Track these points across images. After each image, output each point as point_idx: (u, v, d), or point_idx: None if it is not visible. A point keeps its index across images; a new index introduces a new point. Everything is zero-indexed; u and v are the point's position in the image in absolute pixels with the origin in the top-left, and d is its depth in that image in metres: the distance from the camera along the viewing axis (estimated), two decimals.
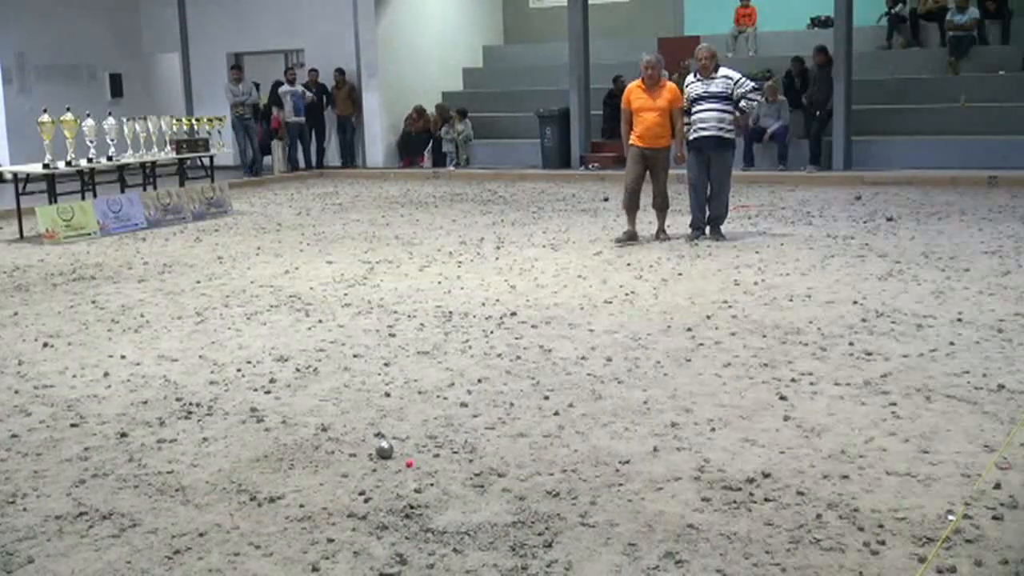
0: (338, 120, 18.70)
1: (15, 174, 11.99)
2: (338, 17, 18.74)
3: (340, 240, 10.64)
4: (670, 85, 9.67)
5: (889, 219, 10.74)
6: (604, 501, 3.83)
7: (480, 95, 19.44)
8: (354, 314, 7.11)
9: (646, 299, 7.28)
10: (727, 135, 9.66)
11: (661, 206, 9.88)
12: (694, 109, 9.66)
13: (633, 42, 19.12)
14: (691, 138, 9.70)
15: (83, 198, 12.02)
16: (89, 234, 11.34)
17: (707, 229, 9.86)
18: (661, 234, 9.93)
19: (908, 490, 3.84)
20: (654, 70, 9.52)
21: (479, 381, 5.40)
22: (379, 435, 4.60)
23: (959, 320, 6.38)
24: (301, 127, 18.20)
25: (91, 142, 11.97)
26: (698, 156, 9.73)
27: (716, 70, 9.67)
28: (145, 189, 12.81)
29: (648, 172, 9.76)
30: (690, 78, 9.87)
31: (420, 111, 18.52)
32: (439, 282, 8.15)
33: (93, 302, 7.82)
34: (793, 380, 5.25)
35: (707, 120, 9.58)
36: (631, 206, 9.79)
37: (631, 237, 9.73)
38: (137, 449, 4.55)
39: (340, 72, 18.49)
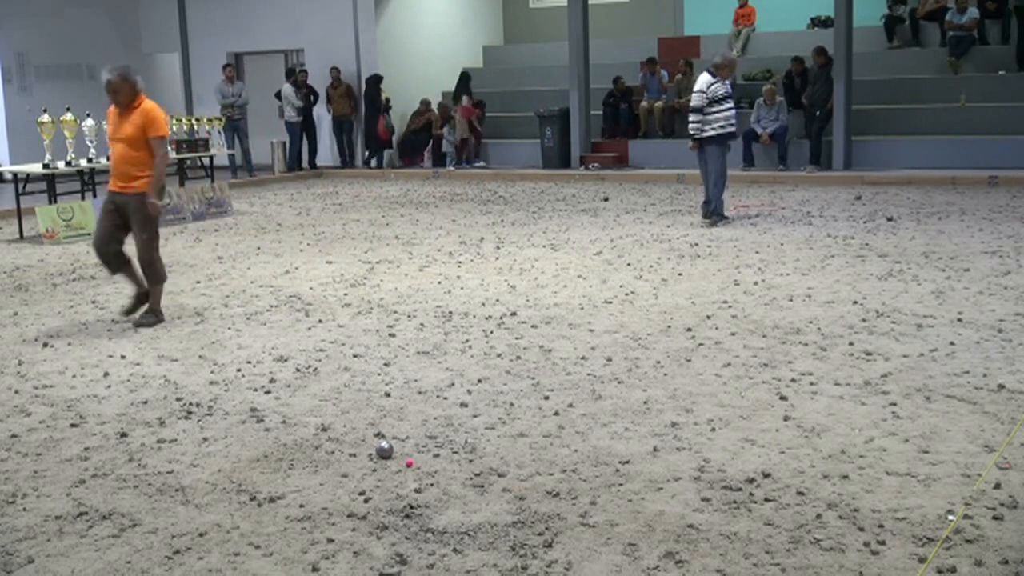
0: (335, 120, 18.59)
1: (15, 174, 12.00)
2: (338, 17, 18.73)
3: (340, 240, 10.64)
4: (146, 106, 6.93)
5: (889, 219, 10.74)
6: (604, 501, 3.83)
7: (480, 95, 19.42)
8: (354, 314, 7.11)
9: (646, 299, 7.28)
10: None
11: (148, 277, 6.99)
12: (720, 107, 10.65)
13: (633, 42, 19.18)
14: (716, 134, 10.70)
15: (83, 198, 12.03)
16: (89, 234, 11.31)
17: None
18: (144, 314, 7.04)
19: (908, 490, 3.84)
20: (116, 93, 6.86)
21: (479, 381, 5.40)
22: (379, 435, 4.60)
23: (959, 320, 6.38)
24: (297, 127, 18.11)
25: (91, 142, 11.98)
26: (721, 148, 10.81)
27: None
28: None
29: (128, 226, 7.02)
30: (711, 79, 10.70)
31: (427, 103, 18.43)
32: (439, 282, 8.15)
33: (93, 302, 7.82)
34: (793, 380, 5.25)
35: (731, 117, 10.75)
36: (112, 270, 7.17)
37: (131, 309, 7.11)
38: (137, 449, 4.56)
39: (336, 71, 18.42)
